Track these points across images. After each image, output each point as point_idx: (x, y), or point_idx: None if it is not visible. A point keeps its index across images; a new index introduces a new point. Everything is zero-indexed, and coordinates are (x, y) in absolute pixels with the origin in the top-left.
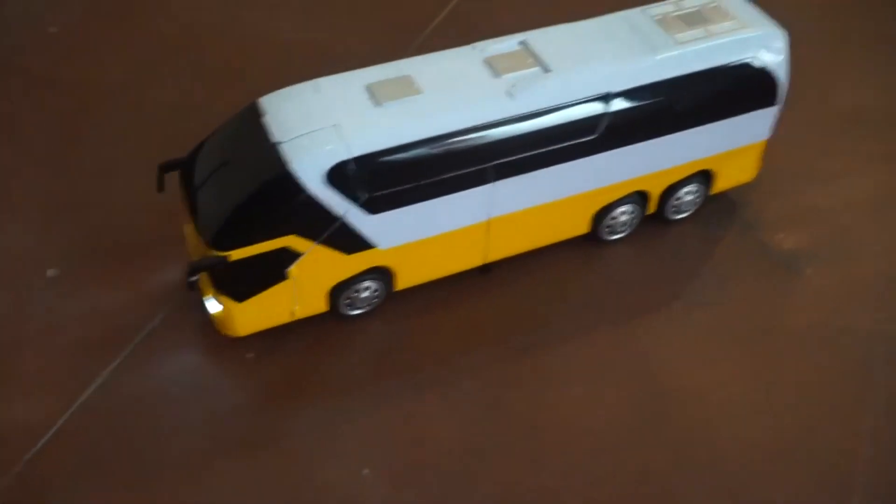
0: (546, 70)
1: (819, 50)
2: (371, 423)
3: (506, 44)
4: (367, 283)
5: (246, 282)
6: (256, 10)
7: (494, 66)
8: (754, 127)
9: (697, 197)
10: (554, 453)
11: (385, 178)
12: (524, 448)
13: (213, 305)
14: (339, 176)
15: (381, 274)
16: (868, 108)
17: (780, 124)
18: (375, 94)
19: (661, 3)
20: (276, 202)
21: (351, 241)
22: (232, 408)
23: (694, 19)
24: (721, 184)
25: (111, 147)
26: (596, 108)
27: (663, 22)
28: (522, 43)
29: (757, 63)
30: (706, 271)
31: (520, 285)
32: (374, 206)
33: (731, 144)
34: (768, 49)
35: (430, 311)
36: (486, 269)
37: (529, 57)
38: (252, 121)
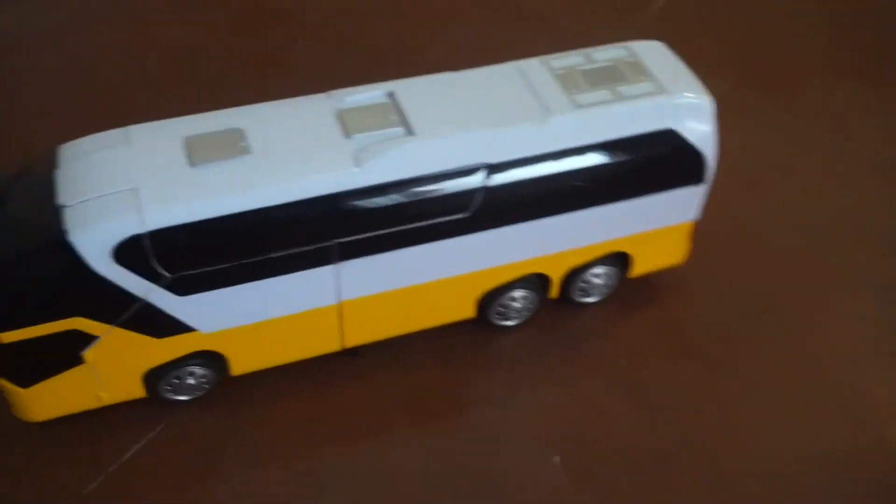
0: (409, 132)
1: None
2: (558, 408)
3: (369, 94)
4: (191, 369)
5: (29, 366)
6: None
7: (347, 123)
8: (676, 207)
9: (610, 280)
10: (736, 475)
11: (194, 257)
12: (708, 462)
13: None
14: (132, 252)
15: (209, 359)
16: None
17: None
18: (193, 152)
19: (569, 53)
20: (51, 279)
21: (161, 325)
22: (419, 376)
23: (603, 77)
24: (640, 267)
25: None
26: (470, 182)
27: (565, 77)
28: (390, 95)
29: (675, 135)
30: None
31: (725, 292)
32: (184, 287)
33: (645, 226)
34: (690, 119)
35: (633, 306)
36: (351, 353)
37: (393, 114)
38: (46, 173)
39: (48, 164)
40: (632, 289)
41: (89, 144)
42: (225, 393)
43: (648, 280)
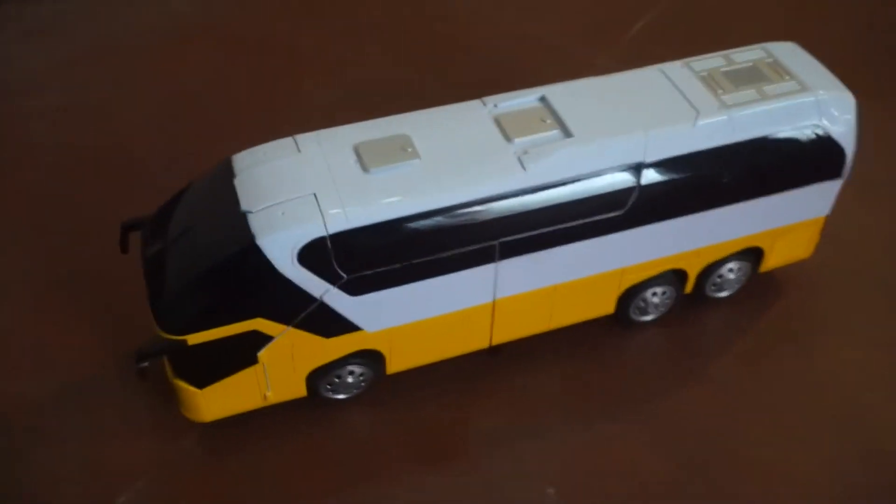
0: (567, 135)
1: None
2: (559, 442)
3: (522, 99)
4: (351, 368)
5: (207, 367)
6: None
7: (506, 128)
8: (813, 202)
9: (742, 274)
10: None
11: (370, 258)
12: (718, 491)
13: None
14: (314, 255)
15: (369, 357)
16: None
17: None
18: (364, 158)
19: (709, 56)
20: (239, 282)
21: (331, 324)
22: (407, 422)
23: (746, 77)
24: (772, 262)
25: None
26: (625, 181)
27: (709, 79)
28: (542, 99)
29: (820, 131)
30: None
31: (738, 312)
32: (357, 288)
33: (784, 220)
34: (833, 115)
35: (637, 329)
36: (494, 352)
37: (548, 117)
38: (224, 181)
39: (222, 173)
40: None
41: (262, 154)
42: (222, 435)
43: None
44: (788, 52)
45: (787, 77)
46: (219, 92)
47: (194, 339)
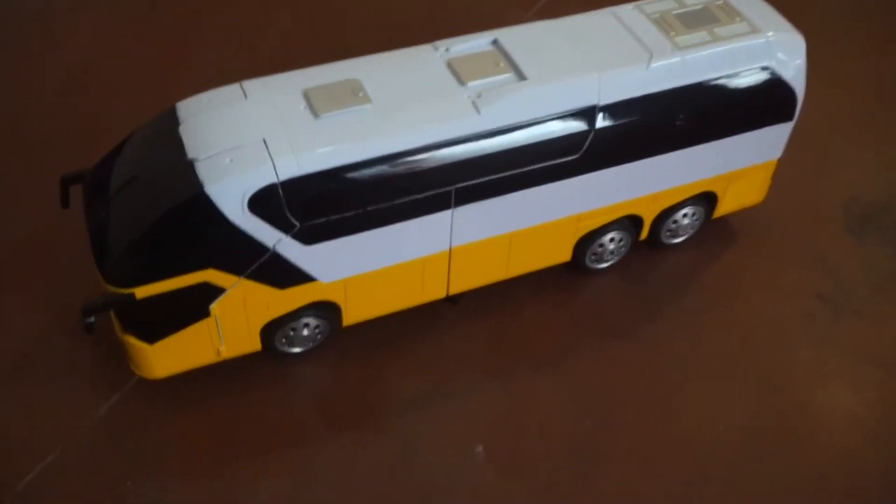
0: (520, 77)
1: None
2: (479, 401)
3: (475, 43)
4: (306, 320)
5: (157, 321)
6: None
7: (459, 71)
8: (765, 145)
9: (696, 220)
10: (671, 458)
11: (323, 205)
12: (639, 448)
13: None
14: (265, 202)
15: (325, 309)
16: None
17: None
18: (314, 103)
19: None
20: (188, 232)
21: (285, 275)
22: (328, 387)
23: (698, 19)
24: (725, 207)
25: None
26: (580, 124)
27: (661, 22)
28: (495, 42)
29: (771, 73)
30: (861, 279)
31: (651, 273)
32: (310, 237)
33: (737, 164)
34: (784, 57)
35: (551, 291)
36: (453, 300)
37: (501, 61)
38: (168, 130)
39: (167, 121)
40: (547, 274)
41: (207, 101)
42: (129, 411)
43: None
44: None
45: (738, 19)
46: (119, 61)
47: (142, 291)
